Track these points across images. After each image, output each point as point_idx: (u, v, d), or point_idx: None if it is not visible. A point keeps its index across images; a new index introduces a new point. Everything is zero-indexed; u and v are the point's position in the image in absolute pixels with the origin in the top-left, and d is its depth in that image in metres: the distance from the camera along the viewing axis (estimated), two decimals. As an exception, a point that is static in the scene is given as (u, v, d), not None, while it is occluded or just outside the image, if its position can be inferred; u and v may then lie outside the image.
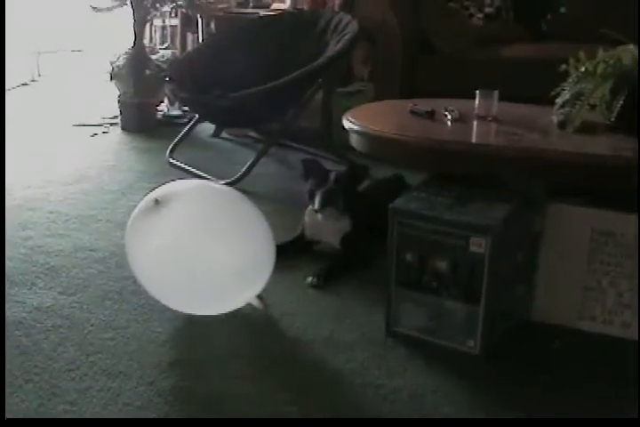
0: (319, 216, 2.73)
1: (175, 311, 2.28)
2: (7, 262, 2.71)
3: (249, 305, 2.34)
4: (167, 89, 4.23)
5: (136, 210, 2.23)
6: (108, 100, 5.24)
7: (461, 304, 2.07)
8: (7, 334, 2.21)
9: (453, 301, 2.08)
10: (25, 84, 6.50)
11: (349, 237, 2.73)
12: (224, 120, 4.19)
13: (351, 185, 2.72)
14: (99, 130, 4.89)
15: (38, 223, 3.14)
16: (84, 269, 2.68)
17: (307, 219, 2.80)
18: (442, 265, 2.07)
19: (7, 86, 6.06)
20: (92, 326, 2.27)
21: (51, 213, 3.28)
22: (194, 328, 2.29)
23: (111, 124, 5.00)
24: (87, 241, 2.95)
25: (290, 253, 2.68)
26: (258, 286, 2.27)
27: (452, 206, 2.10)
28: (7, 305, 2.38)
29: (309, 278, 2.56)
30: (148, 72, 4.78)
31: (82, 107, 5.55)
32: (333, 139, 4.04)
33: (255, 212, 2.28)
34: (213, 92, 3.64)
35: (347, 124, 2.52)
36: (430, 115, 2.59)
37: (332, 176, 2.68)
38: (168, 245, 2.13)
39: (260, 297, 2.34)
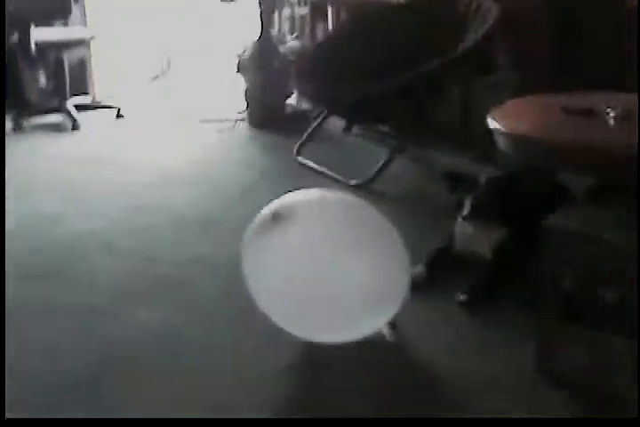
0: (468, 225, 2.51)
1: (295, 337, 2.08)
2: (121, 270, 2.65)
3: (379, 333, 2.12)
4: (295, 81, 4.14)
5: (254, 224, 2.09)
6: (235, 94, 5.17)
7: (630, 343, 1.79)
8: (117, 352, 2.14)
9: (620, 338, 1.81)
10: (156, 78, 6.50)
11: (503, 247, 2.47)
12: (353, 114, 4.06)
13: (507, 190, 2.48)
14: (225, 125, 4.80)
15: (156, 228, 3.06)
16: (199, 283, 2.57)
17: (457, 230, 2.57)
18: (607, 295, 1.81)
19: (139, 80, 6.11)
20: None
21: (170, 216, 3.18)
22: (315, 356, 2.14)
23: (238, 120, 4.90)
24: (206, 249, 2.83)
25: (438, 268, 2.51)
26: (390, 310, 2.07)
27: (619, 225, 1.83)
28: (115, 322, 2.32)
29: (459, 295, 2.37)
30: (276, 64, 4.69)
31: (209, 101, 5.50)
32: (472, 134, 3.79)
33: (385, 225, 2.09)
34: (344, 84, 3.54)
35: (492, 123, 2.35)
36: (588, 113, 2.36)
37: (483, 180, 2.49)
38: (289, 265, 2.01)
39: (392, 324, 2.13)
